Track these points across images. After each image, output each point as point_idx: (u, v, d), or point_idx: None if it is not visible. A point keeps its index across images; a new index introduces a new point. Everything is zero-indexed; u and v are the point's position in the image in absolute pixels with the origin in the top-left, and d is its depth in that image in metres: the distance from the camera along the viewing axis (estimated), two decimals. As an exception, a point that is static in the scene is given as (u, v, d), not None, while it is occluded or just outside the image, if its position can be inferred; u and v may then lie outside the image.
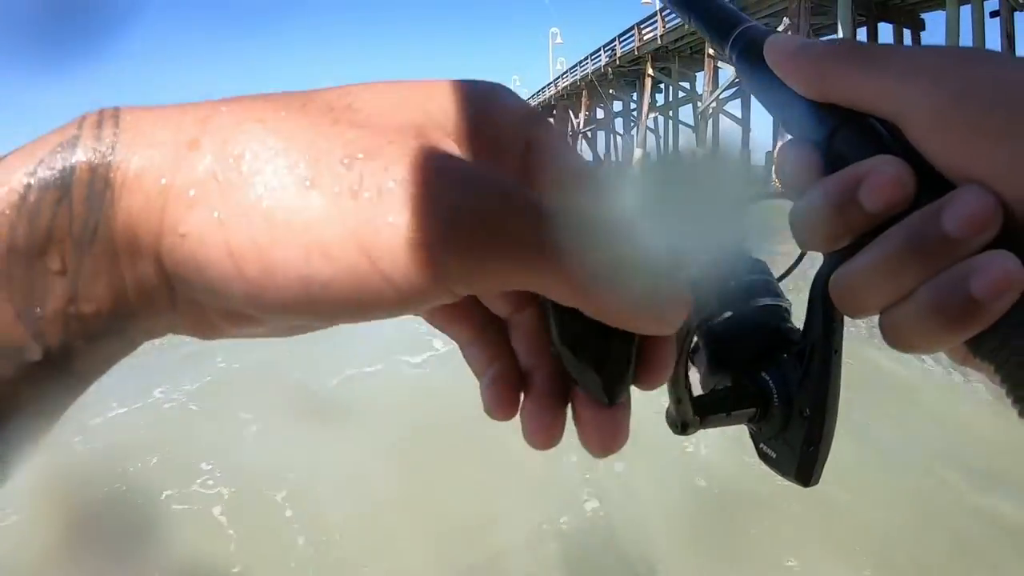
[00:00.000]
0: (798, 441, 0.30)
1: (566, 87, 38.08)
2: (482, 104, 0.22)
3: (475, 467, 2.90)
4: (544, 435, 0.22)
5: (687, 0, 0.33)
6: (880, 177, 0.24)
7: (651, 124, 27.99)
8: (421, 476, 3.01)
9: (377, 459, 3.10)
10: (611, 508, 2.64)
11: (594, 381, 0.21)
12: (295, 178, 0.18)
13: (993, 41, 12.40)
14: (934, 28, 18.02)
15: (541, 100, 44.95)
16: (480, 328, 0.24)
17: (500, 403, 0.23)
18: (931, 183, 0.24)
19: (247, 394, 4.11)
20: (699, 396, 0.32)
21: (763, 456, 0.33)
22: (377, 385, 4.27)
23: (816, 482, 0.30)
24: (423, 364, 4.39)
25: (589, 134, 36.76)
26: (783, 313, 0.33)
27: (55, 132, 0.18)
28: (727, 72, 19.70)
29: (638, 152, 25.61)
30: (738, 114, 21.87)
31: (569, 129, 38.72)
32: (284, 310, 0.18)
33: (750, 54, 0.30)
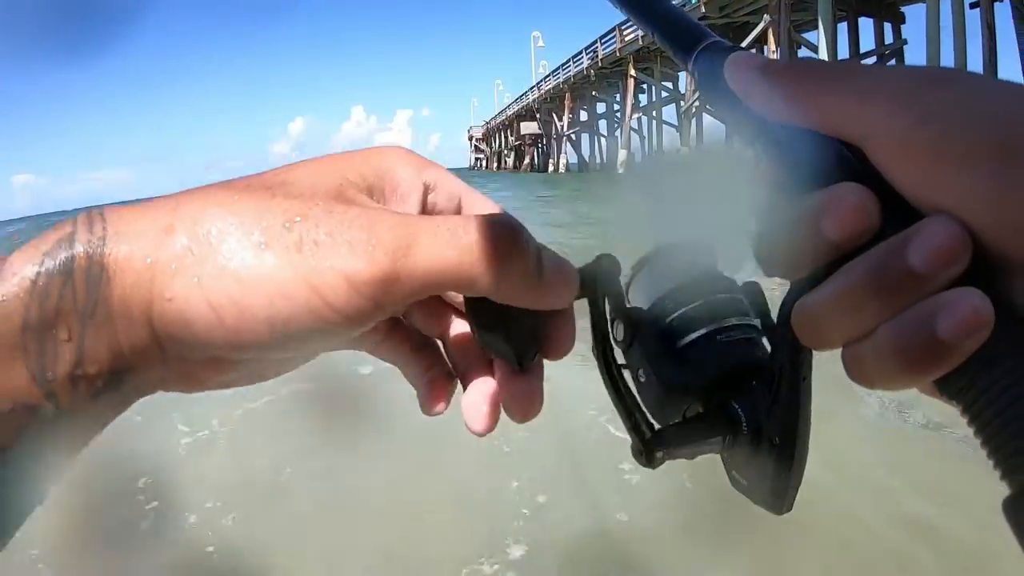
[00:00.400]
0: (769, 469, 0.30)
1: (549, 90, 38.07)
2: (386, 163, 0.29)
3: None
4: (519, 403, 0.29)
5: (650, 15, 0.33)
6: (843, 206, 0.23)
7: (635, 125, 28.05)
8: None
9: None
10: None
11: (507, 351, 0.29)
12: (252, 243, 0.23)
13: (974, 32, 12.43)
14: (914, 22, 18.08)
15: (524, 104, 44.98)
16: (417, 349, 0.32)
17: (435, 399, 0.31)
18: (898, 211, 0.22)
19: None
20: (669, 426, 0.32)
21: (735, 483, 0.32)
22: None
23: (789, 509, 0.30)
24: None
25: (573, 136, 36.77)
26: (752, 335, 0.32)
27: (54, 230, 0.23)
28: (709, 71, 19.66)
29: (623, 153, 25.62)
30: (722, 112, 21.88)
31: (553, 132, 38.78)
32: (259, 347, 0.23)
33: (711, 71, 0.29)
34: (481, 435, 0.30)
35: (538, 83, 41.98)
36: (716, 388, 0.31)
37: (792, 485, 0.30)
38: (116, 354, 0.23)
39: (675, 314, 0.33)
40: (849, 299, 0.23)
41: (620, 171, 24.83)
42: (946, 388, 0.22)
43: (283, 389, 4.07)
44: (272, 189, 0.25)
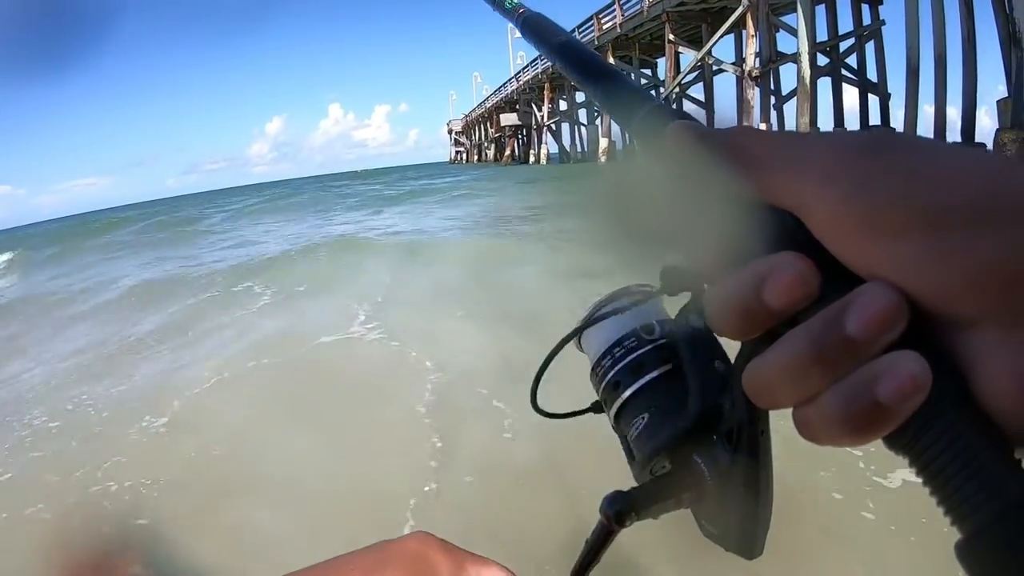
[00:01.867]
0: (736, 518, 0.30)
1: (528, 81, 37.83)
2: None
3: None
4: None
5: (594, 78, 0.34)
6: (782, 276, 0.23)
7: (615, 113, 27.87)
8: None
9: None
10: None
11: None
12: None
13: (952, 8, 12.37)
14: (892, 2, 18.05)
15: (504, 95, 44.72)
16: None
17: None
18: (837, 277, 0.23)
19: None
20: (637, 488, 0.32)
21: (705, 532, 0.33)
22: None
23: (760, 553, 0.31)
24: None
25: (553, 126, 36.58)
26: (717, 380, 0.32)
27: None
28: (688, 57, 19.63)
29: (604, 142, 25.50)
30: (701, 97, 21.93)
31: (533, 123, 38.59)
32: None
33: (653, 138, 0.29)
34: None
35: (516, 74, 41.75)
36: (682, 442, 0.31)
37: (760, 531, 0.30)
38: None
39: (625, 360, 0.34)
40: (793, 367, 0.23)
41: (602, 159, 24.79)
42: (892, 444, 0.22)
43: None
44: None
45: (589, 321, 0.36)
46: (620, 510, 0.31)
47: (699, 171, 0.27)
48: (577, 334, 0.37)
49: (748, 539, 0.30)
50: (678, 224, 0.27)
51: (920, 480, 0.22)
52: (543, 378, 0.37)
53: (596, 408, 0.37)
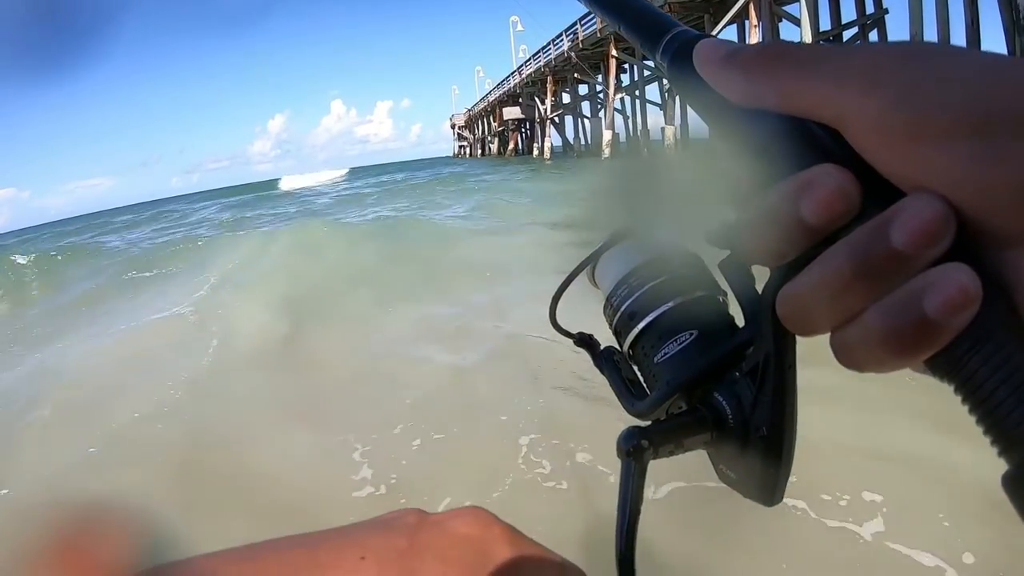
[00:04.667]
0: (758, 462, 0.29)
1: (530, 74, 37.69)
2: None
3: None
4: None
5: (616, 7, 0.33)
6: (821, 189, 0.22)
7: (618, 105, 27.78)
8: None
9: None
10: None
11: None
12: None
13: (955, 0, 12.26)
14: (895, -10, 17.91)
15: (506, 89, 44.56)
16: None
17: None
18: (878, 191, 0.22)
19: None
20: (653, 424, 0.31)
21: (723, 477, 0.32)
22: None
23: (780, 500, 0.30)
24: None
25: (557, 119, 36.46)
26: (726, 315, 0.32)
27: None
28: (691, 48, 19.47)
29: (607, 134, 25.41)
30: (705, 90, 21.71)
31: (536, 116, 38.46)
32: None
33: (681, 61, 0.28)
34: None
35: (518, 68, 41.60)
36: (700, 381, 0.31)
37: (782, 476, 0.29)
38: None
39: (641, 290, 0.33)
40: (833, 284, 0.22)
41: (606, 152, 24.71)
42: (937, 368, 0.21)
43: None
44: None
45: (604, 247, 0.36)
46: (636, 445, 0.30)
47: (730, 89, 0.25)
48: (592, 261, 0.37)
49: (769, 485, 0.29)
50: (712, 149, 0.27)
51: (965, 408, 0.21)
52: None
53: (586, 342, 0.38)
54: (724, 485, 0.32)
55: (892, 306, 0.21)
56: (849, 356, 0.23)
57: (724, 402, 0.30)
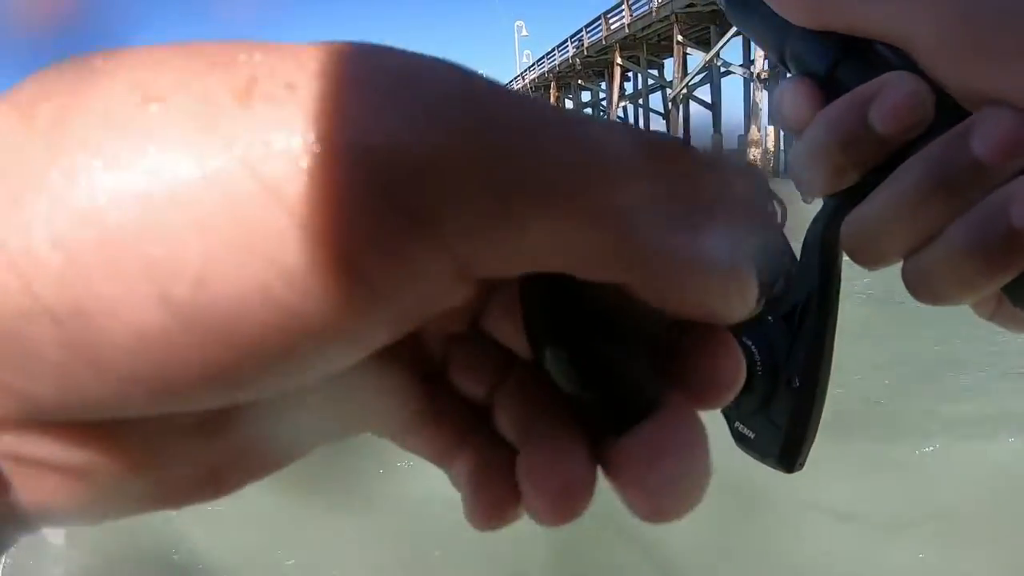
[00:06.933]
0: (783, 418, 0.26)
1: (534, 80, 37.81)
2: None
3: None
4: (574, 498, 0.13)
5: None
6: (895, 94, 0.21)
7: (621, 113, 27.87)
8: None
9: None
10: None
11: (599, 392, 0.14)
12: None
13: None
14: None
15: (510, 93, 44.61)
16: (467, 431, 0.15)
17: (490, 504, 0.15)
18: (946, 111, 0.21)
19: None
20: None
21: (738, 437, 0.28)
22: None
23: (801, 467, 0.27)
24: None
25: (560, 126, 36.54)
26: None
27: None
28: (696, 58, 19.60)
29: (610, 142, 25.44)
30: (708, 99, 21.89)
31: (540, 122, 38.50)
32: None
33: None
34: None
35: (522, 73, 41.73)
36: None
37: (809, 437, 0.26)
38: None
39: None
40: (910, 202, 0.21)
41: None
42: (1017, 294, 0.21)
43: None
44: None
45: None
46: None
47: (792, 9, 0.25)
48: None
49: (793, 448, 0.26)
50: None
51: None
52: None
53: None
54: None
55: (976, 219, 0.20)
56: (928, 282, 0.22)
57: (753, 346, 0.26)
